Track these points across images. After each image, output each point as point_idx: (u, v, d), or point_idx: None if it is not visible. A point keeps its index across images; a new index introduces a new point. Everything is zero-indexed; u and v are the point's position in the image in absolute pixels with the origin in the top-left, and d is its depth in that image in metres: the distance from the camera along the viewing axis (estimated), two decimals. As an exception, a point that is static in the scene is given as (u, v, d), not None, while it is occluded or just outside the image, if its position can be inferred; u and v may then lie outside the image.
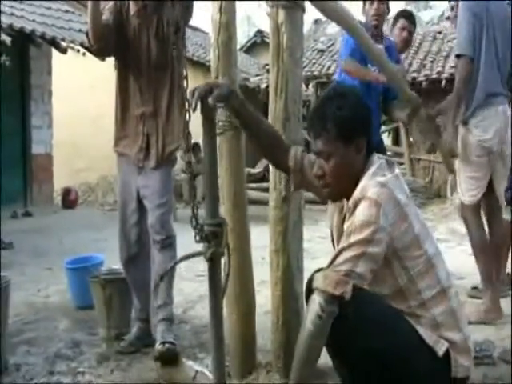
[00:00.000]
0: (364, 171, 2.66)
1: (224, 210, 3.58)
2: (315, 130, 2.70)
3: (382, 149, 5.41)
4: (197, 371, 3.52)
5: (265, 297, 3.93)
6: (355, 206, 2.54)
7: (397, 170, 2.69)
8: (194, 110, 2.77)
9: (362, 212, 2.50)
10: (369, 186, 2.55)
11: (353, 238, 2.49)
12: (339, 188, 2.71)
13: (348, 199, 2.68)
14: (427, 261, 2.60)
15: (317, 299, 2.50)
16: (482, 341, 4.00)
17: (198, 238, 2.74)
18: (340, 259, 2.49)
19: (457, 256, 7.02)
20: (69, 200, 13.42)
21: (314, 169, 2.73)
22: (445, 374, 2.61)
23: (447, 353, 2.61)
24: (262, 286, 4.32)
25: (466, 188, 4.77)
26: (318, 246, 7.53)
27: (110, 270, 4.96)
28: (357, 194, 2.57)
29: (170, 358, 3.81)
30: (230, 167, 3.69)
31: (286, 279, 3.53)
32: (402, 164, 13.43)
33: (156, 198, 4.24)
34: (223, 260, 2.83)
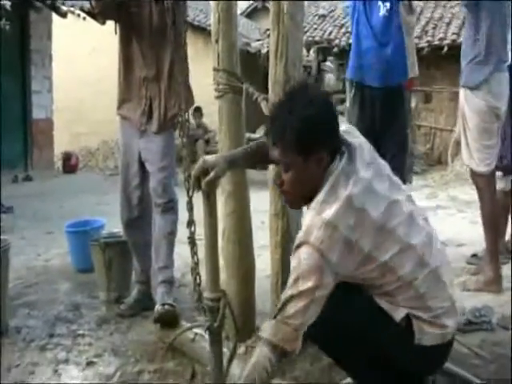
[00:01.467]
0: (324, 180, 2.49)
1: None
2: (274, 136, 2.51)
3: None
4: (196, 333, 3.51)
5: (265, 261, 3.92)
6: (299, 246, 2.43)
7: (356, 169, 2.50)
8: (193, 192, 2.83)
9: (308, 259, 2.39)
10: (313, 227, 2.40)
11: (301, 286, 2.37)
12: (297, 197, 2.59)
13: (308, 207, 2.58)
14: (385, 264, 2.49)
15: (267, 353, 2.41)
16: (481, 307, 4.01)
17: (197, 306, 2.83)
18: (291, 310, 2.38)
19: (457, 223, 7.02)
20: (69, 165, 13.39)
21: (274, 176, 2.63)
22: (408, 341, 2.57)
23: (409, 322, 2.57)
24: (262, 250, 4.31)
25: (481, 157, 4.68)
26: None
27: (111, 234, 4.96)
28: (301, 234, 2.43)
29: (169, 320, 3.82)
30: (229, 131, 3.66)
31: (286, 243, 3.50)
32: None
33: (158, 161, 4.23)
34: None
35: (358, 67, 5.00)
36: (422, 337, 2.56)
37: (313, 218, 2.41)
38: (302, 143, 2.44)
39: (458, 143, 5.24)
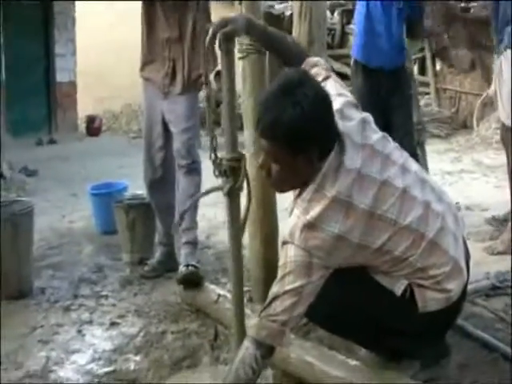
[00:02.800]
0: (312, 174, 2.39)
1: (246, 135, 3.52)
2: (263, 128, 2.35)
3: (405, 77, 5.32)
4: (219, 295, 3.50)
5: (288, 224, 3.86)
6: (285, 243, 2.37)
7: (344, 160, 2.39)
8: (210, 45, 2.68)
9: (294, 257, 2.33)
10: (297, 227, 2.32)
11: (288, 285, 2.32)
12: (284, 187, 2.51)
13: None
14: (378, 249, 2.43)
15: (252, 350, 2.38)
16: (505, 271, 3.96)
17: (216, 172, 2.68)
18: (277, 308, 2.33)
19: (481, 187, 6.93)
20: (93, 128, 13.39)
21: (259, 159, 2.45)
22: (413, 311, 2.52)
23: (411, 291, 2.52)
24: (285, 213, 4.27)
25: None
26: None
27: (134, 196, 4.96)
28: (287, 233, 2.38)
29: (192, 281, 3.81)
30: (253, 91, 3.60)
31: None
32: (427, 94, 13.18)
33: (181, 122, 4.20)
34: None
35: (365, 48, 5.18)
36: (426, 304, 2.51)
37: (298, 218, 2.34)
38: (291, 141, 2.30)
39: (484, 105, 5.17)
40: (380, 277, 2.50)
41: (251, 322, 2.44)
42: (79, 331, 3.67)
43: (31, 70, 12.21)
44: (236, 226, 2.75)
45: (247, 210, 2.81)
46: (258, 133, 2.41)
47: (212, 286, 3.74)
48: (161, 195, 4.45)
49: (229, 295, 3.38)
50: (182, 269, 3.95)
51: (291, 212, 2.46)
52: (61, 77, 13.12)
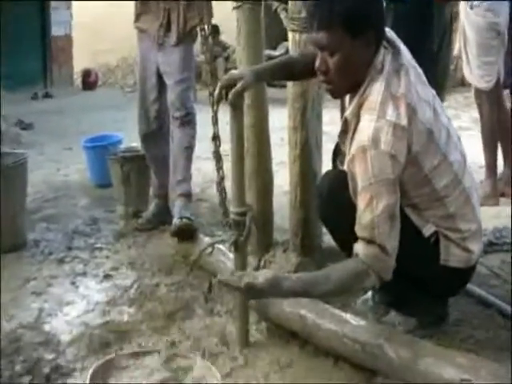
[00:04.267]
0: (370, 69, 2.42)
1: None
2: (318, 21, 2.38)
3: None
4: (213, 247, 3.45)
5: (283, 177, 3.87)
6: (365, 151, 2.33)
7: (404, 63, 2.46)
8: (218, 105, 2.74)
9: (379, 172, 2.31)
10: (381, 130, 2.31)
11: (377, 208, 2.31)
12: (342, 85, 2.48)
13: (352, 96, 2.51)
14: (425, 175, 2.49)
15: (373, 278, 2.37)
16: (500, 227, 3.96)
17: (222, 222, 2.80)
18: (380, 237, 2.32)
19: (478, 145, 6.87)
20: (88, 81, 13.24)
21: (316, 63, 2.46)
22: (434, 260, 2.57)
23: (437, 240, 2.56)
24: (280, 167, 4.24)
25: (482, 74, 4.65)
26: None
27: (129, 148, 4.90)
28: (365, 138, 2.33)
29: (187, 233, 3.80)
30: (247, 44, 3.53)
31: (305, 157, 3.44)
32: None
33: (176, 74, 4.14)
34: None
35: None
36: (448, 258, 2.56)
37: (376, 120, 2.33)
38: (351, 20, 2.34)
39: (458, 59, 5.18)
40: (411, 212, 2.53)
41: (355, 246, 2.39)
42: (73, 283, 3.66)
43: (26, 23, 12.01)
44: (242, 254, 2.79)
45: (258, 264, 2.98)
46: (313, 31, 2.41)
47: (206, 239, 3.71)
48: (155, 148, 4.40)
49: (223, 247, 3.36)
50: (175, 221, 3.93)
51: (346, 129, 2.51)
52: (56, 30, 12.93)
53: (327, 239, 3.59)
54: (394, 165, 2.32)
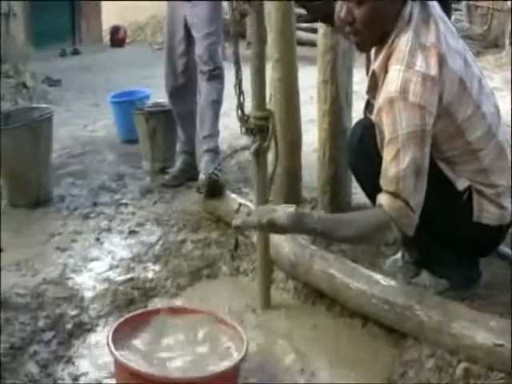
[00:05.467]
0: (398, 20, 2.33)
1: (271, 40, 3.38)
2: None
3: None
4: (240, 204, 3.39)
5: (312, 136, 3.79)
6: (392, 101, 2.24)
7: (433, 13, 2.37)
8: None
9: (407, 125, 2.22)
10: (410, 81, 2.23)
11: (404, 162, 2.22)
12: (369, 36, 2.40)
13: (379, 49, 2.42)
14: (458, 126, 2.40)
15: (395, 232, 2.30)
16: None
17: (243, 130, 2.62)
18: (404, 191, 2.24)
19: (510, 106, 6.76)
20: (117, 38, 13.13)
21: (341, 13, 2.37)
22: (467, 217, 2.49)
23: (470, 196, 2.48)
24: (310, 125, 4.17)
25: None
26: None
27: (156, 104, 4.83)
28: (394, 89, 2.24)
29: (213, 189, 3.70)
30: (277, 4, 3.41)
31: (334, 112, 3.39)
32: (458, 10, 12.75)
33: (204, 27, 4.07)
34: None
35: None
36: (481, 214, 2.49)
37: (405, 71, 2.25)
38: None
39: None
40: (444, 166, 2.47)
41: (380, 197, 2.31)
42: (97, 239, 3.62)
43: (54, -21, 11.91)
44: (263, 186, 2.69)
45: (274, 169, 2.73)
46: None
47: (233, 195, 3.63)
48: (182, 102, 4.34)
49: (250, 204, 3.28)
50: (202, 177, 3.88)
51: (375, 83, 2.43)
52: (85, -14, 12.82)
53: (356, 198, 3.54)
54: (423, 117, 2.24)
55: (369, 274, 2.68)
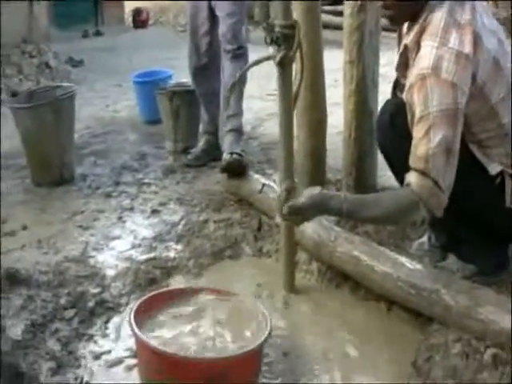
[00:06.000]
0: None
1: (296, 15, 3.25)
2: None
3: None
4: (263, 184, 3.36)
5: (337, 118, 3.72)
6: (424, 78, 2.20)
7: None
8: None
9: (439, 102, 2.17)
10: (443, 58, 2.19)
11: (434, 140, 2.18)
12: (403, 10, 2.36)
13: (411, 25, 2.38)
14: (491, 107, 2.35)
15: (423, 212, 2.26)
16: None
17: (268, 40, 2.51)
18: (433, 170, 2.20)
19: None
20: (139, 20, 13.09)
21: None
22: (500, 202, 2.43)
23: (502, 181, 2.42)
24: (334, 108, 4.11)
25: None
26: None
27: (179, 83, 4.80)
28: (426, 65, 2.20)
29: (236, 169, 3.67)
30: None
31: (360, 92, 3.31)
32: (484, -7, 12.60)
33: (228, 5, 4.00)
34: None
35: None
36: None
37: (438, 47, 2.21)
38: None
39: None
40: (476, 149, 2.41)
41: (408, 176, 2.28)
42: (120, 218, 3.61)
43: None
44: (287, 99, 2.60)
45: (300, 82, 2.65)
46: None
47: (256, 176, 3.59)
48: (205, 82, 4.29)
49: (274, 185, 3.23)
50: (225, 156, 3.80)
51: (406, 59, 2.43)
52: (108, -31, 12.78)
53: (382, 180, 3.48)
54: (455, 95, 2.19)
55: (395, 256, 2.62)
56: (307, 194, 2.33)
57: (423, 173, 2.21)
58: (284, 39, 2.50)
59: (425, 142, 2.20)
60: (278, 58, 2.52)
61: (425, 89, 2.19)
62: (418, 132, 2.23)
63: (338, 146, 3.69)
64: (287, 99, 2.61)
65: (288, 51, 2.51)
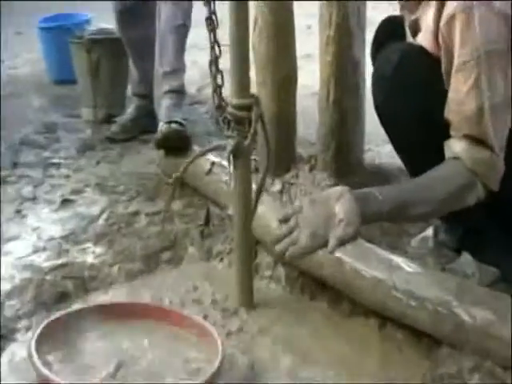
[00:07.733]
0: None
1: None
2: None
3: None
4: (213, 163, 3.38)
5: (310, 75, 3.80)
6: (469, 9, 2.18)
7: None
8: None
9: (491, 31, 2.19)
10: None
11: (487, 83, 2.19)
12: None
13: None
14: None
15: (480, 191, 2.29)
16: None
17: (220, 122, 2.56)
18: (481, 131, 2.23)
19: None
20: None
21: None
22: None
23: None
24: (306, 61, 4.16)
25: None
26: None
27: (100, 30, 4.85)
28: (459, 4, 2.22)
29: (176, 143, 3.72)
30: None
31: (341, 39, 3.34)
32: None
33: None
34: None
35: None
36: None
37: None
38: None
39: None
40: None
41: (453, 145, 2.30)
42: (18, 211, 3.59)
43: None
44: (242, 201, 2.62)
45: (263, 179, 2.66)
46: None
47: (204, 149, 3.55)
48: (135, 28, 4.32)
49: (226, 163, 3.19)
50: (162, 127, 3.83)
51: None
52: None
53: (370, 155, 3.48)
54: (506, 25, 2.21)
55: (389, 257, 2.62)
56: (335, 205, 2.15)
57: (476, 139, 2.24)
58: (237, 123, 2.51)
59: (474, 95, 2.21)
60: (230, 148, 2.52)
61: (472, 23, 2.19)
62: (461, 83, 2.23)
63: (311, 111, 3.75)
64: (242, 203, 2.63)
65: (242, 139, 2.50)
